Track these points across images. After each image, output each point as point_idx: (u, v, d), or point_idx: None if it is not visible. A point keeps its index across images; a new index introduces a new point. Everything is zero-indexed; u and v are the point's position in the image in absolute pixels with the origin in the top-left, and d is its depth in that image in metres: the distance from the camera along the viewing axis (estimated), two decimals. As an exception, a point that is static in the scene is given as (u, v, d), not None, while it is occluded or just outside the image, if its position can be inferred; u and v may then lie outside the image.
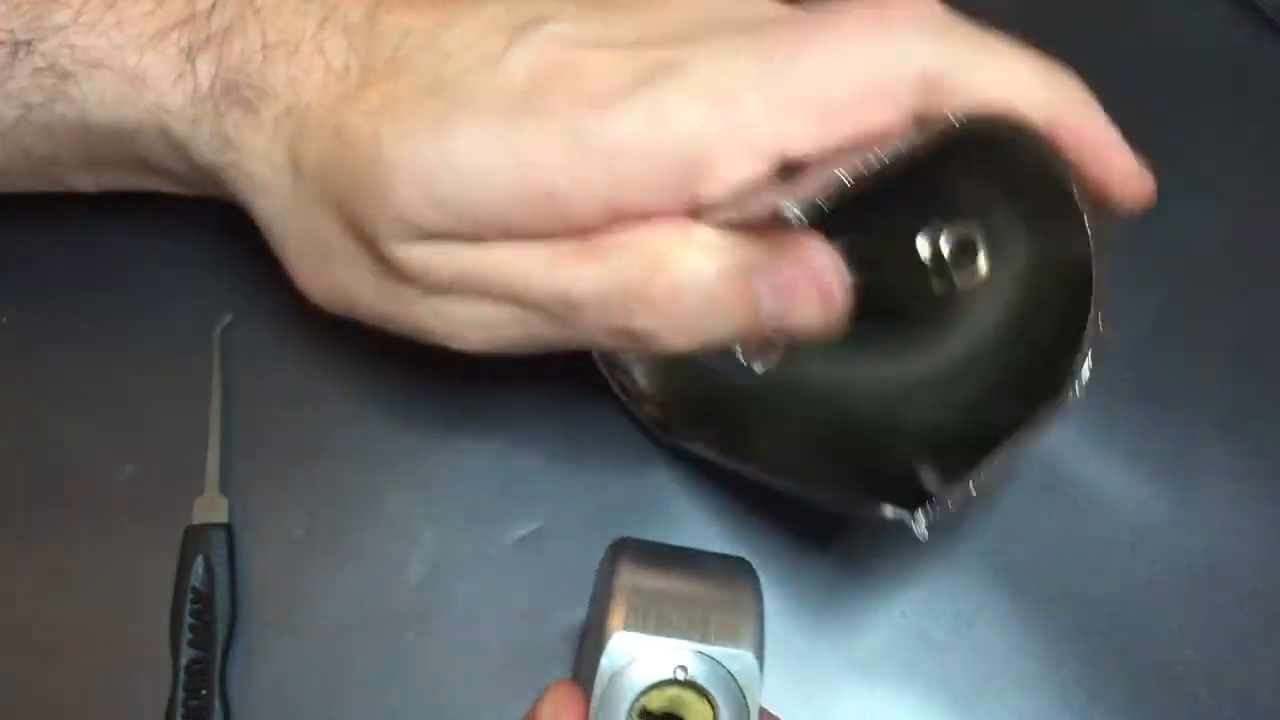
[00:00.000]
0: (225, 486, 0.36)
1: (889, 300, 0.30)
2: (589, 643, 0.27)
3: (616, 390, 0.35)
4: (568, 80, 0.27)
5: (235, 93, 0.30)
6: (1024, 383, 0.30)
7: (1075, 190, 0.28)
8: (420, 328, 0.30)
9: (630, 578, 0.26)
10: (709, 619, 0.25)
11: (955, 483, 0.28)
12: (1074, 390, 0.28)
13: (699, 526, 0.36)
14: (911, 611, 0.35)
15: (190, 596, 0.34)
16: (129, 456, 0.37)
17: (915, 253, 0.30)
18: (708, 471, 0.36)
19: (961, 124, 0.25)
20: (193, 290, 0.39)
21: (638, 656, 0.24)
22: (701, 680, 0.24)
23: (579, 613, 0.34)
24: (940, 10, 0.28)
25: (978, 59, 0.27)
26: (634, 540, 0.27)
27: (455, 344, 0.30)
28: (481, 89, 0.27)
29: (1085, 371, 0.28)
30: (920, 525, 0.28)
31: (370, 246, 0.29)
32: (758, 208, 0.25)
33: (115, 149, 0.32)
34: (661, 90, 0.26)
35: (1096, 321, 0.28)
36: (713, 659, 0.24)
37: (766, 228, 0.26)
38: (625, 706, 0.24)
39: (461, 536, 0.36)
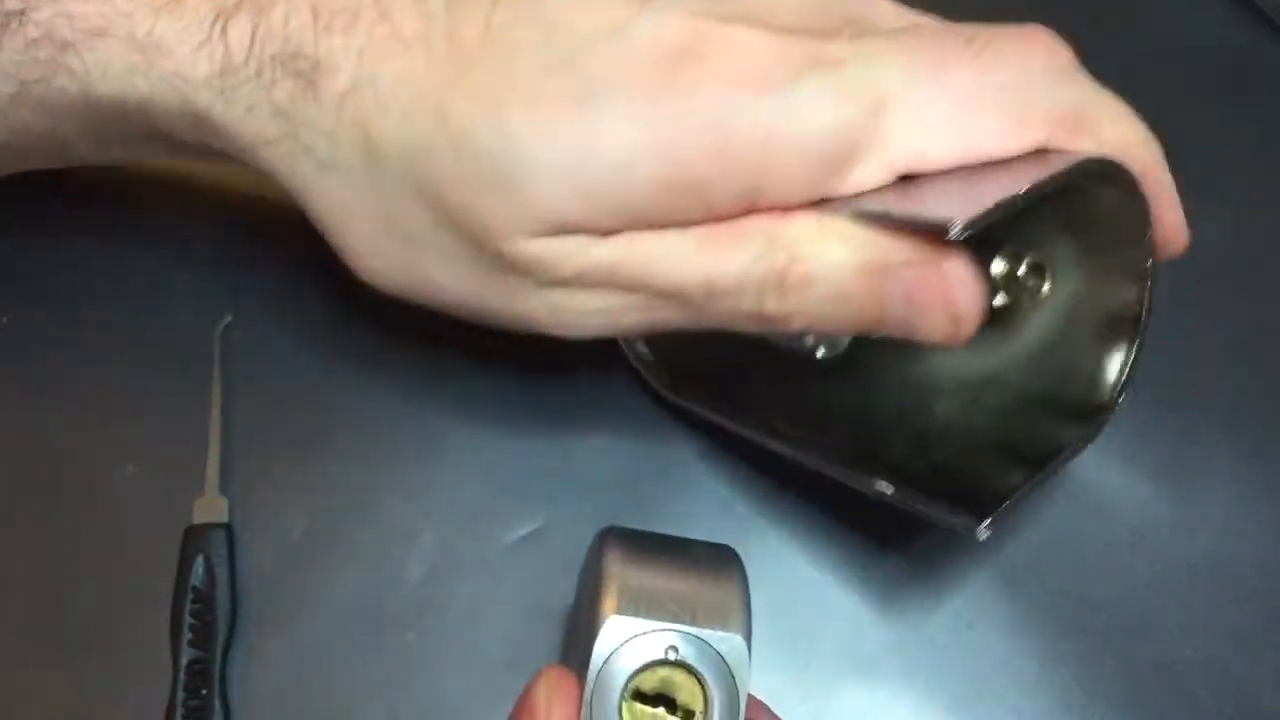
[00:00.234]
0: (225, 486, 0.36)
1: None
2: (579, 629, 0.28)
3: (631, 357, 0.35)
4: (712, 58, 0.26)
5: (286, 64, 0.28)
6: (1057, 406, 0.32)
7: (1148, 240, 0.30)
8: (524, 319, 0.29)
9: (620, 564, 0.26)
10: (698, 603, 0.25)
11: (992, 499, 0.29)
12: (1109, 419, 0.30)
13: (699, 527, 0.36)
14: (911, 611, 0.35)
15: (190, 596, 0.34)
16: (129, 456, 0.37)
17: (988, 267, 0.31)
18: (708, 472, 0.36)
19: (1085, 164, 0.26)
20: (193, 290, 0.39)
21: (630, 640, 0.25)
22: (692, 661, 0.25)
23: (579, 613, 0.34)
24: (1072, 56, 0.29)
25: (1102, 107, 0.29)
26: (622, 528, 0.28)
27: (559, 332, 0.29)
28: (613, 65, 0.26)
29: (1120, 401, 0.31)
30: (981, 529, 0.29)
31: (479, 239, 0.28)
32: (876, 209, 0.26)
33: (121, 122, 0.31)
34: (817, 84, 0.26)
35: (1136, 362, 0.31)
36: (702, 641, 0.25)
37: (904, 227, 0.26)
38: (619, 687, 0.25)
39: (461, 536, 0.36)
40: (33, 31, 0.29)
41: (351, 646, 0.35)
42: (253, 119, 0.29)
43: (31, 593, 0.35)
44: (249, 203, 0.41)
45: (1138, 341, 0.31)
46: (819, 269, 0.26)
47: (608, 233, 0.27)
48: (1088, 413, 0.31)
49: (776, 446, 0.33)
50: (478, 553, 0.36)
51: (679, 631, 0.25)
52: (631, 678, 0.25)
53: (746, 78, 0.26)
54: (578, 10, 0.26)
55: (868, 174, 0.27)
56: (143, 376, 0.38)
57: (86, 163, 0.34)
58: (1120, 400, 0.31)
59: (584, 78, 0.26)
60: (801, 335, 0.30)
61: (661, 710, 0.25)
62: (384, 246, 0.29)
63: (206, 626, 0.34)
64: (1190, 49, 0.42)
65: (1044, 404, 0.32)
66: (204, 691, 0.34)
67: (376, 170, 0.28)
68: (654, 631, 0.25)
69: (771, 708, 0.28)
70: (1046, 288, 0.31)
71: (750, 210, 0.27)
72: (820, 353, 0.31)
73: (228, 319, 0.38)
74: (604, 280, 0.28)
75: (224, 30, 0.28)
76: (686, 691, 0.25)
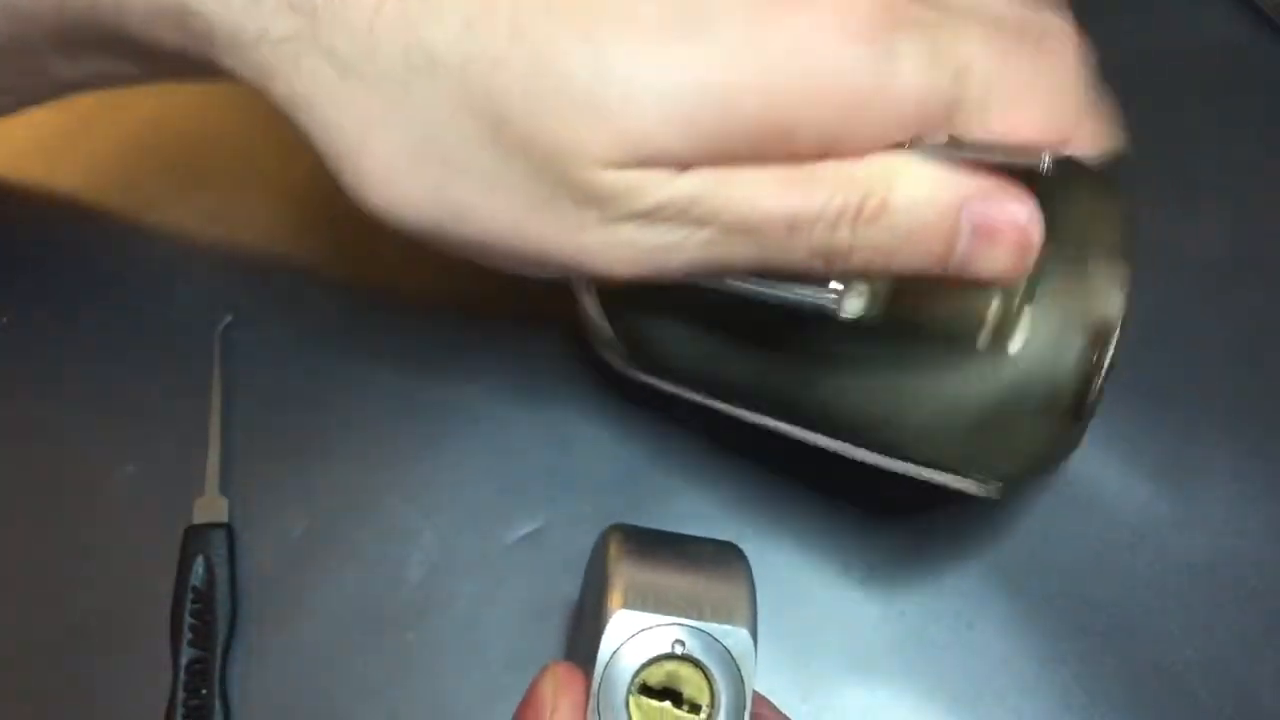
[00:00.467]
0: (225, 486, 0.36)
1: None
2: (584, 626, 0.28)
3: (590, 333, 0.34)
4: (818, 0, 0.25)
5: None
6: (1042, 398, 0.32)
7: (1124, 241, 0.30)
8: (571, 256, 0.27)
9: (626, 560, 0.26)
10: (704, 598, 0.25)
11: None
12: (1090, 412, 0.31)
13: (700, 527, 0.36)
14: (911, 611, 0.35)
15: (190, 596, 0.34)
16: (129, 456, 0.37)
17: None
18: (709, 472, 0.36)
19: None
20: (193, 290, 0.39)
21: (637, 634, 0.25)
22: (699, 655, 0.25)
23: (579, 613, 0.34)
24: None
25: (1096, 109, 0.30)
26: (627, 525, 0.28)
27: (601, 271, 0.27)
28: None
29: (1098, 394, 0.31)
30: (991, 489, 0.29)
31: (548, 165, 0.26)
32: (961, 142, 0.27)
33: (93, 25, 0.29)
34: (914, 44, 0.26)
35: (1109, 368, 0.31)
36: (709, 635, 0.25)
37: (976, 166, 0.26)
38: (626, 681, 0.25)
39: (461, 536, 0.36)
40: None
41: (351, 646, 0.35)
42: (258, 11, 0.26)
43: (31, 593, 0.35)
44: (249, 203, 0.41)
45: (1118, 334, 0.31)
46: (895, 201, 0.26)
47: (687, 166, 0.26)
48: (1066, 414, 0.31)
49: (751, 415, 0.33)
50: (478, 553, 0.36)
51: (685, 626, 0.25)
52: (638, 672, 0.25)
53: (851, 25, 0.25)
54: None
55: (934, 138, 0.27)
56: (143, 376, 0.38)
57: (59, 86, 0.32)
58: (1097, 400, 0.31)
59: (684, 2, 0.25)
60: (832, 286, 0.29)
61: (668, 704, 0.25)
62: (412, 169, 0.27)
63: (206, 626, 0.34)
64: (1190, 49, 0.42)
65: (1035, 399, 0.32)
66: (204, 691, 0.34)
67: (421, 80, 0.26)
68: (660, 626, 0.25)
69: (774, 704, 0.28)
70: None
71: (825, 156, 0.26)
72: (849, 308, 0.30)
73: (228, 319, 0.38)
74: (677, 215, 0.26)
75: None
76: (693, 686, 0.25)
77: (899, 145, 0.27)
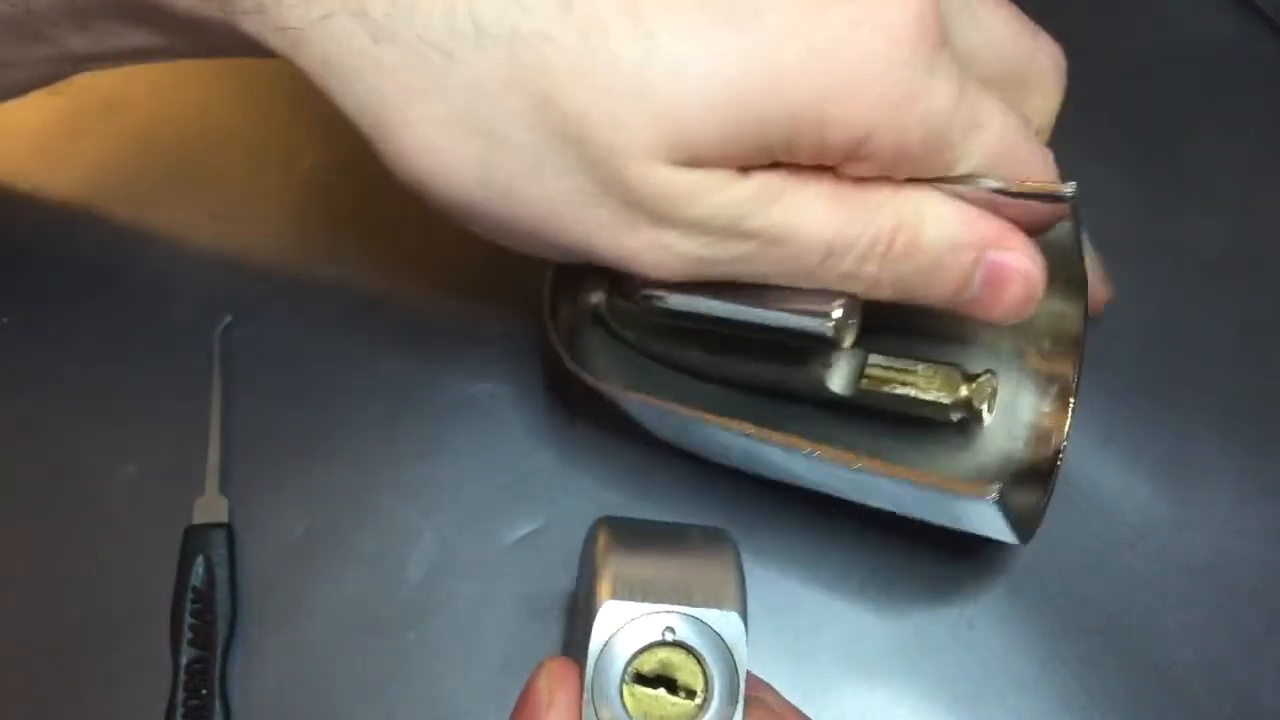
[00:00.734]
0: (225, 486, 0.36)
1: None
2: (578, 619, 0.28)
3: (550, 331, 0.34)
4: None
5: None
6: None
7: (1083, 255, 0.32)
8: (616, 251, 0.27)
9: (614, 550, 0.26)
10: (693, 584, 0.26)
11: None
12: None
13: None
14: (910, 612, 0.35)
15: (190, 596, 0.34)
16: (129, 456, 0.37)
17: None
18: (709, 473, 0.36)
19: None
20: (193, 290, 0.39)
21: (627, 624, 0.25)
22: (690, 641, 0.25)
23: (579, 613, 0.34)
24: None
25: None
26: (616, 518, 0.28)
27: (640, 271, 0.27)
28: None
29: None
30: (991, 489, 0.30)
31: (596, 156, 0.25)
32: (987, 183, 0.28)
33: None
34: (954, 72, 0.27)
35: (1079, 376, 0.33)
36: (699, 620, 0.25)
37: (995, 209, 0.28)
38: (619, 671, 0.25)
39: (461, 536, 0.36)
40: None
41: (351, 646, 0.35)
42: None
43: (31, 593, 0.35)
44: (249, 203, 0.41)
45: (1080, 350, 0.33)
46: (924, 239, 0.27)
47: (743, 169, 0.26)
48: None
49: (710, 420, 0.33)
50: (478, 553, 0.36)
51: (675, 613, 0.25)
52: (630, 661, 0.25)
53: (898, 28, 0.25)
54: None
55: (955, 159, 0.27)
56: (143, 376, 0.38)
57: (71, 60, 0.31)
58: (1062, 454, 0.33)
59: None
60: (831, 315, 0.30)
61: (662, 691, 0.25)
62: (456, 142, 0.26)
63: (206, 626, 0.34)
64: (1190, 49, 0.42)
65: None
66: (204, 691, 0.34)
67: (466, 49, 0.25)
68: (649, 614, 0.25)
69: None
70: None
71: (851, 159, 0.27)
72: (845, 341, 0.31)
73: (228, 319, 0.38)
74: (725, 227, 0.26)
75: None
76: (686, 671, 0.25)
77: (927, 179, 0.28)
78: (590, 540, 0.28)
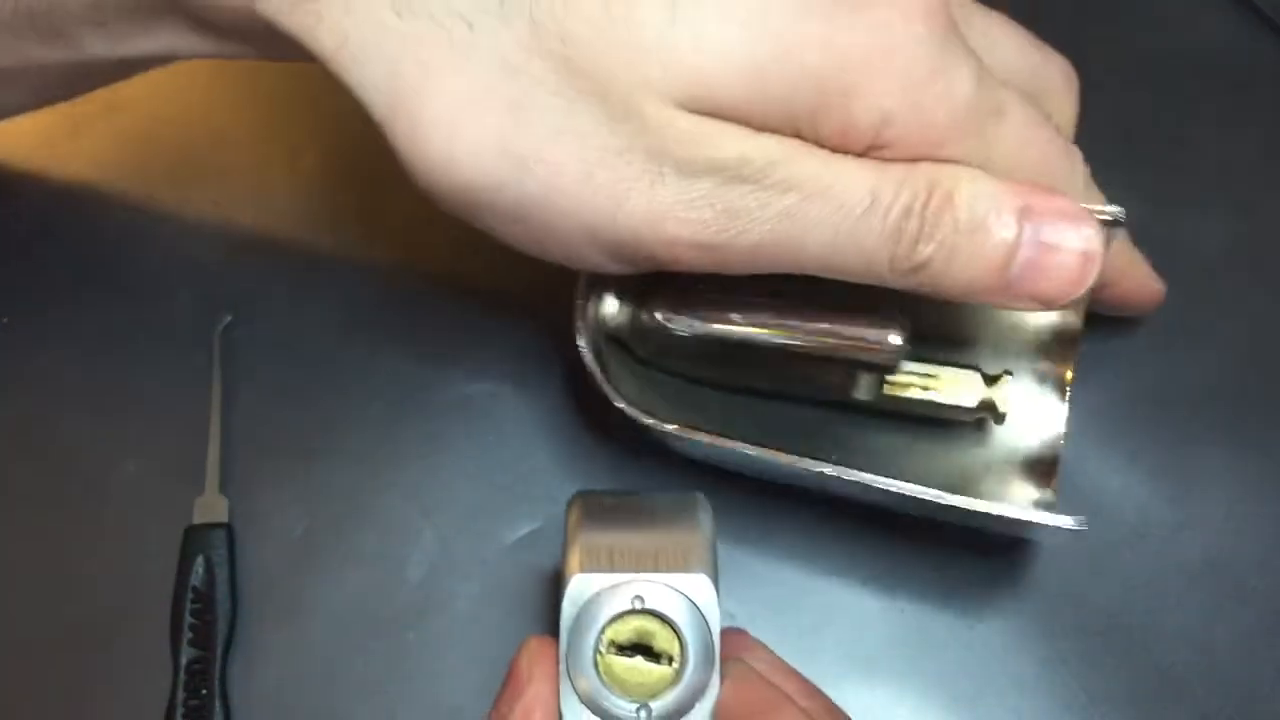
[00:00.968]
0: (225, 486, 0.36)
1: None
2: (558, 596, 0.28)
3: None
4: None
5: None
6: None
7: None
8: (644, 214, 0.26)
9: (584, 524, 0.27)
10: (660, 550, 0.26)
11: None
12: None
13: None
14: (912, 610, 0.35)
15: (190, 596, 0.34)
16: (129, 456, 0.37)
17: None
18: (709, 472, 0.36)
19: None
20: (193, 290, 0.39)
21: (597, 595, 0.25)
22: (660, 608, 0.25)
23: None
24: None
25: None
26: (590, 491, 0.28)
27: (673, 237, 0.27)
28: None
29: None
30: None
31: (621, 104, 0.25)
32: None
33: None
34: (974, 61, 0.27)
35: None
36: (667, 586, 0.25)
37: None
38: (591, 643, 0.25)
39: (461, 536, 0.36)
40: None
41: (351, 646, 0.35)
42: None
43: (32, 592, 0.35)
44: (249, 203, 0.41)
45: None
46: (961, 196, 0.27)
47: (761, 128, 0.26)
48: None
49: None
50: (478, 553, 0.36)
51: (643, 580, 0.25)
52: (602, 631, 0.25)
53: (915, 10, 0.26)
54: None
55: (982, 148, 0.27)
56: (143, 376, 0.38)
57: (98, 59, 0.31)
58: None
59: None
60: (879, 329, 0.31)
61: (639, 659, 0.25)
62: (476, 114, 0.26)
63: (206, 626, 0.34)
64: (1190, 49, 0.42)
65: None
66: (204, 691, 0.34)
67: (487, 20, 0.25)
68: (618, 584, 0.25)
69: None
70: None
71: (877, 143, 0.27)
72: (892, 340, 0.32)
73: (228, 319, 0.38)
74: (758, 174, 0.26)
75: None
76: (661, 638, 0.25)
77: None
78: (566, 516, 0.28)
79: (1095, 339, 0.35)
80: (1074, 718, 0.34)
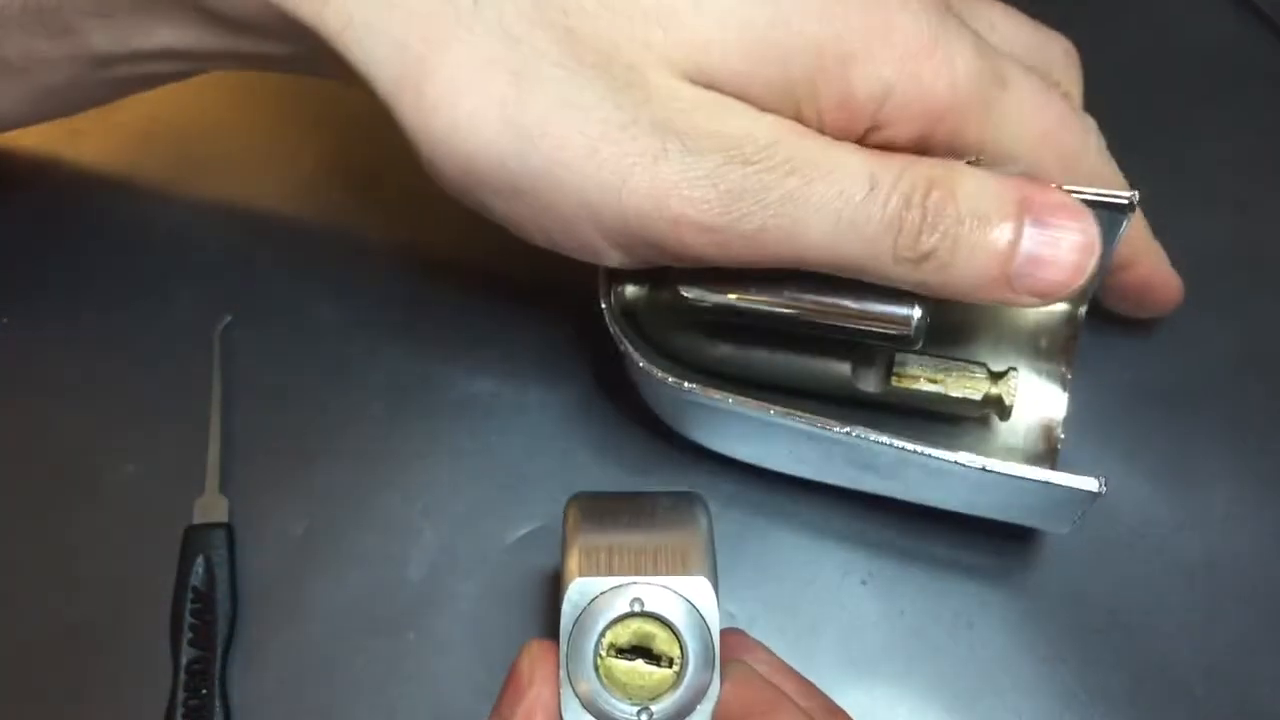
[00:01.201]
0: (225, 486, 0.36)
1: None
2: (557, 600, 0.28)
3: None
4: None
5: None
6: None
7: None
8: (648, 190, 0.26)
9: (582, 526, 0.27)
10: (658, 552, 0.26)
11: None
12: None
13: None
14: (911, 611, 0.35)
15: (190, 596, 0.34)
16: (129, 456, 0.37)
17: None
18: (709, 472, 0.36)
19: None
20: (193, 290, 0.39)
21: (596, 599, 0.25)
22: (659, 610, 0.25)
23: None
24: None
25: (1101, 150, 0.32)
26: (588, 493, 0.28)
27: (677, 216, 0.26)
28: None
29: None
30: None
31: (625, 82, 0.26)
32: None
33: None
34: (973, 38, 0.27)
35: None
36: (666, 588, 0.25)
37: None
38: (591, 646, 0.25)
39: (461, 536, 0.36)
40: None
41: (351, 646, 0.35)
42: None
43: (32, 592, 0.35)
44: (249, 203, 0.41)
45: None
46: (962, 187, 0.27)
47: (763, 108, 0.26)
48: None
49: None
50: (478, 553, 0.36)
51: (642, 583, 0.25)
52: (602, 635, 0.25)
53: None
54: None
55: (989, 124, 0.28)
56: (143, 376, 0.38)
57: (101, 55, 0.31)
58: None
59: None
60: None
61: (639, 662, 0.25)
62: (480, 85, 0.26)
63: (206, 626, 0.34)
64: (1190, 49, 0.42)
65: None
66: (204, 691, 0.34)
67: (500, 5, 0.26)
68: (617, 586, 0.25)
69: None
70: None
71: (879, 124, 0.27)
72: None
73: (228, 319, 0.38)
74: (762, 153, 0.26)
75: None
76: (661, 640, 0.25)
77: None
78: (564, 518, 0.28)
79: (1095, 338, 0.36)
80: (1074, 717, 0.34)
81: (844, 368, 0.33)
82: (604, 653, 0.25)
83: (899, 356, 0.33)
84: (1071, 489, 0.29)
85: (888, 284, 0.28)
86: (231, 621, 0.35)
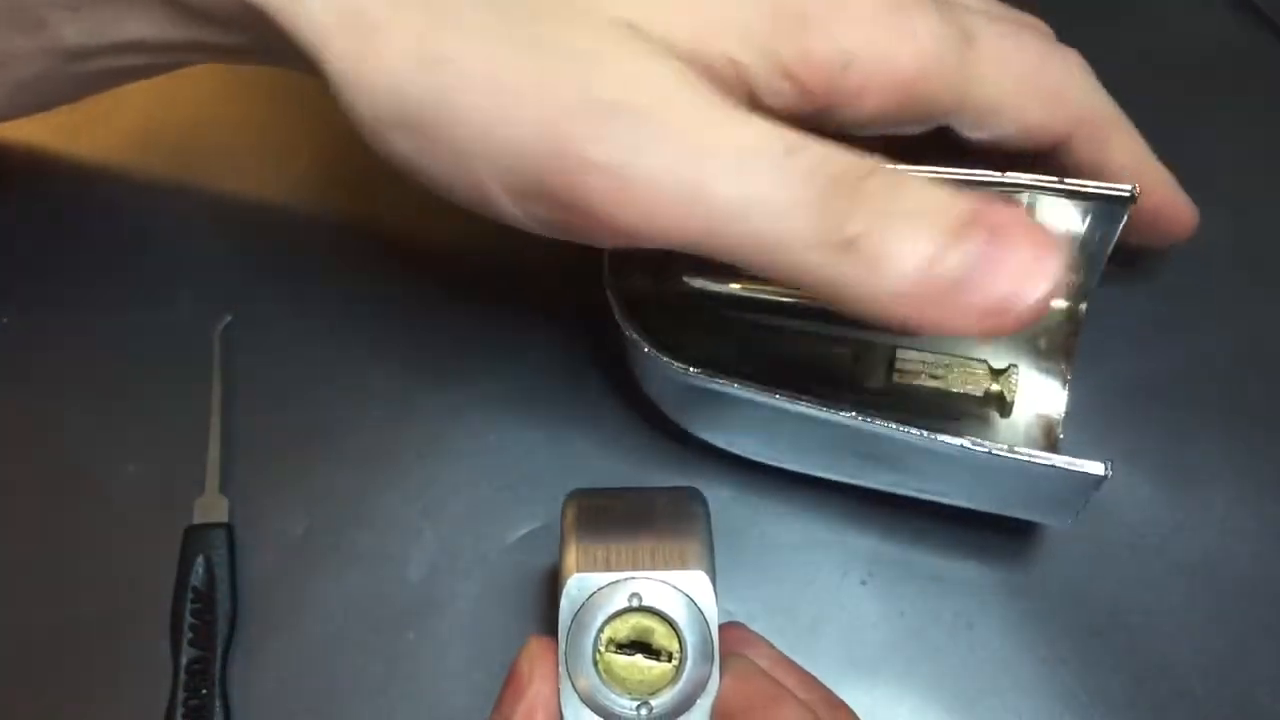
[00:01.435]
0: (225, 486, 0.36)
1: None
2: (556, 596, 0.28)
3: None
4: None
5: None
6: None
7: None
8: (535, 126, 0.25)
9: (579, 523, 0.27)
10: (656, 547, 0.26)
11: None
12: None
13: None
14: (911, 611, 0.35)
15: (190, 596, 0.34)
16: (129, 456, 0.37)
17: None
18: (709, 472, 0.36)
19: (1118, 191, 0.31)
20: (193, 290, 0.39)
21: (594, 594, 0.25)
22: (658, 605, 0.25)
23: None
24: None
25: (1119, 125, 0.33)
26: (585, 490, 0.28)
27: (565, 168, 0.25)
28: None
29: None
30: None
31: (575, 16, 0.25)
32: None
33: None
34: (934, 7, 0.27)
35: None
36: (665, 583, 0.25)
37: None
38: (590, 642, 0.25)
39: (461, 536, 0.36)
40: None
41: (351, 646, 0.35)
42: None
43: (31, 593, 0.35)
44: (249, 203, 0.41)
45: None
46: (906, 188, 0.25)
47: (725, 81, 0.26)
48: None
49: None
50: (478, 553, 0.36)
51: (640, 578, 0.25)
52: (601, 631, 0.25)
53: None
54: None
55: (963, 88, 0.27)
56: (143, 376, 0.38)
57: (61, 55, 0.31)
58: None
59: None
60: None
61: (638, 657, 0.25)
62: (399, 18, 0.26)
63: (206, 626, 0.34)
64: (1190, 49, 0.42)
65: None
66: (204, 691, 0.34)
67: None
68: (615, 582, 0.25)
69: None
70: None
71: (847, 94, 0.26)
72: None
73: (228, 319, 0.38)
74: (668, 97, 0.25)
75: None
76: (660, 635, 0.25)
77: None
78: (561, 515, 0.28)
79: (1096, 336, 0.35)
80: (1074, 718, 0.34)
81: (846, 364, 0.33)
82: (603, 648, 0.25)
83: (900, 353, 0.33)
84: (1077, 473, 0.29)
85: (796, 280, 0.25)
86: (231, 621, 0.35)
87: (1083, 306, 0.35)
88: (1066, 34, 0.34)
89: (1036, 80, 0.28)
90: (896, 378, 0.33)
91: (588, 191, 0.25)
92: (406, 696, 0.34)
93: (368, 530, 0.36)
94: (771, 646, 0.28)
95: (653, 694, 0.25)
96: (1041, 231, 0.24)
